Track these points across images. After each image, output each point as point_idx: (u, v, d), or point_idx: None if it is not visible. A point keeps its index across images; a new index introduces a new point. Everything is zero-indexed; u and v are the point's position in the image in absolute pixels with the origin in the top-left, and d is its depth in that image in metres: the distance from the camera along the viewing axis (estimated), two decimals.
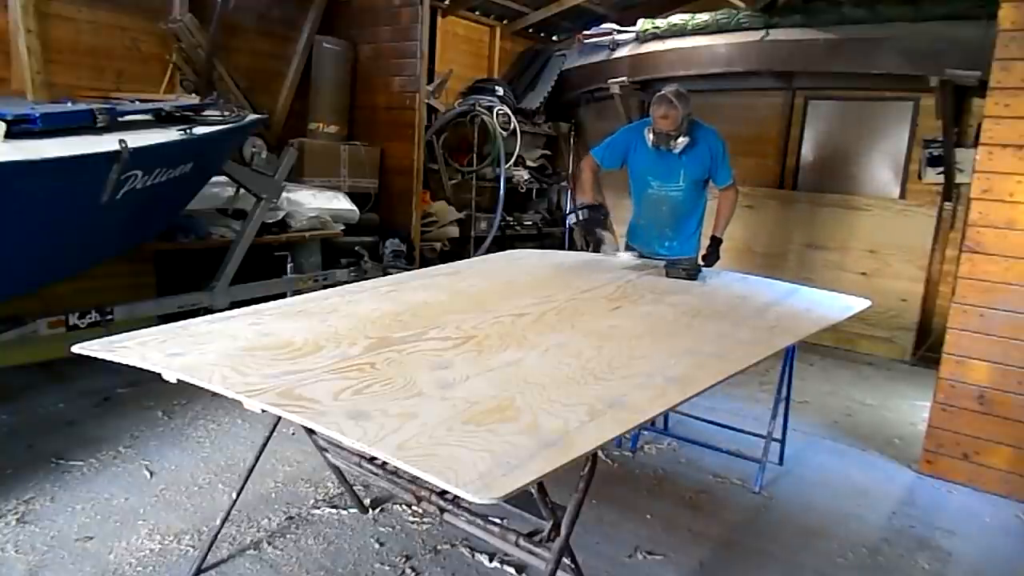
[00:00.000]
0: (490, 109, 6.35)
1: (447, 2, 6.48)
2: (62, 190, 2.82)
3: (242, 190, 4.33)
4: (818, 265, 5.95)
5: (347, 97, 5.80)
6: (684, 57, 6.09)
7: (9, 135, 2.67)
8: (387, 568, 2.40)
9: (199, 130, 3.46)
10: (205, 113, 3.76)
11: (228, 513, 2.38)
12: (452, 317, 2.27)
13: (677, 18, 6.19)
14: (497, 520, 1.99)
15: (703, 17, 6.00)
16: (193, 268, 4.42)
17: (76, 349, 1.90)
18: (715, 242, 3.82)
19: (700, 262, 3.74)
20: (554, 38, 7.73)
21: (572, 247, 7.56)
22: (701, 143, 3.66)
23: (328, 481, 2.94)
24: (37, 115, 2.82)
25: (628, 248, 3.89)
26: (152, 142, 3.15)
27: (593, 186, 3.85)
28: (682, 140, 3.59)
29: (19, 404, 3.62)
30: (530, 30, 7.48)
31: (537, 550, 1.81)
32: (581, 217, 3.72)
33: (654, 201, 3.84)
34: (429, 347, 1.98)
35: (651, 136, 3.69)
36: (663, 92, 3.59)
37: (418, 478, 1.51)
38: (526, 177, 7.09)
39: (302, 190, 4.94)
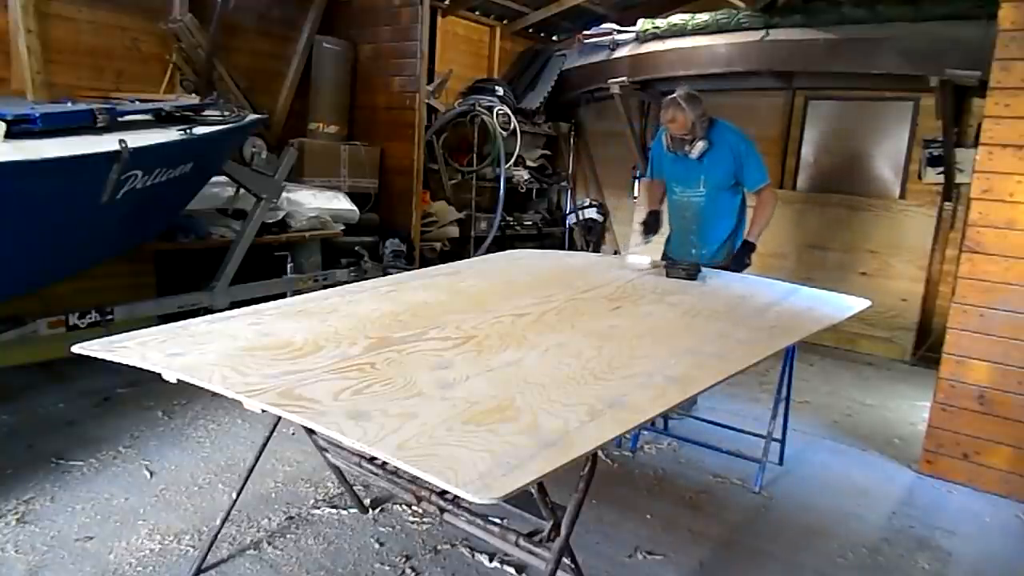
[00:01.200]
0: (490, 109, 6.35)
1: (447, 2, 6.49)
2: (62, 190, 2.82)
3: (242, 190, 4.33)
4: (818, 265, 5.95)
5: (347, 97, 5.80)
6: (684, 57, 6.10)
7: (9, 135, 2.67)
8: (387, 568, 2.40)
9: (199, 130, 3.46)
10: (205, 113, 3.76)
11: (228, 513, 2.38)
12: (452, 317, 2.27)
13: (677, 18, 6.19)
14: (497, 520, 1.99)
15: (703, 17, 6.00)
16: (193, 268, 4.42)
17: (76, 349, 1.91)
18: (746, 247, 3.66)
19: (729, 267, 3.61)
20: (554, 38, 7.74)
21: (572, 247, 7.58)
22: (722, 146, 3.55)
23: (328, 481, 2.94)
24: (37, 115, 2.82)
25: (665, 257, 3.79)
26: (152, 142, 3.15)
27: (650, 197, 3.99)
28: (700, 144, 3.52)
29: (19, 404, 3.63)
30: (530, 30, 7.48)
31: (537, 550, 1.81)
32: (639, 222, 3.95)
33: (679, 207, 3.80)
34: (429, 347, 1.98)
35: (667, 141, 3.65)
36: (672, 95, 3.53)
37: (418, 478, 1.51)
38: (526, 177, 7.10)
39: (302, 190, 4.94)
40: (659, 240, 4.00)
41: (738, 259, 3.67)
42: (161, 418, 3.55)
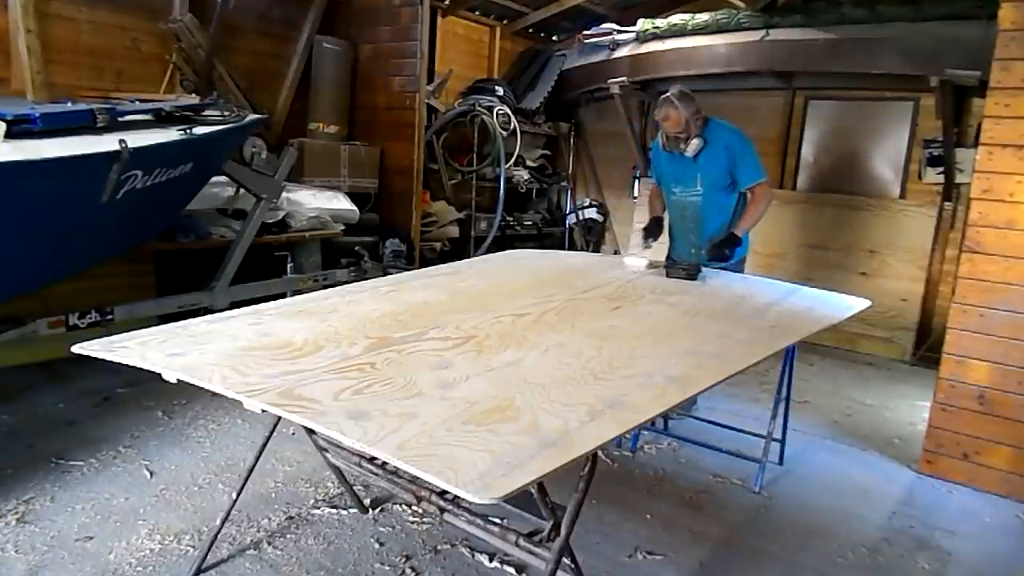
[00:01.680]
0: (490, 109, 6.35)
1: (447, 2, 6.49)
2: (62, 190, 2.82)
3: (242, 190, 4.33)
4: (818, 265, 5.95)
5: (347, 97, 5.80)
6: (684, 57, 6.10)
7: (9, 135, 2.67)
8: (387, 568, 2.40)
9: (199, 130, 3.46)
10: (205, 113, 3.76)
11: (228, 513, 2.38)
12: (452, 317, 2.27)
13: (677, 18, 6.20)
14: (497, 520, 1.99)
15: (703, 17, 6.01)
16: (193, 268, 4.41)
17: (76, 349, 1.91)
18: (729, 240, 3.53)
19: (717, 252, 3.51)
20: (554, 38, 7.74)
21: (572, 247, 7.58)
22: (716, 143, 3.53)
23: (328, 481, 2.94)
24: (37, 115, 2.82)
25: (668, 258, 3.73)
26: (152, 142, 3.15)
27: (652, 205, 4.02)
28: (695, 142, 3.51)
29: (19, 404, 3.62)
30: (530, 30, 7.48)
31: (537, 550, 1.81)
32: (640, 228, 3.91)
33: (679, 208, 3.79)
34: (429, 347, 1.98)
35: (663, 140, 3.65)
36: (666, 94, 3.54)
37: (418, 478, 1.51)
38: (526, 177, 7.10)
39: (302, 190, 4.94)
40: (663, 242, 4.00)
41: (716, 248, 3.51)
42: (161, 418, 3.55)
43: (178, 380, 1.71)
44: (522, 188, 7.06)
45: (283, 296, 3.47)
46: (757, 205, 3.59)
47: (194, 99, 4.33)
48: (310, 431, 2.22)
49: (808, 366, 5.09)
